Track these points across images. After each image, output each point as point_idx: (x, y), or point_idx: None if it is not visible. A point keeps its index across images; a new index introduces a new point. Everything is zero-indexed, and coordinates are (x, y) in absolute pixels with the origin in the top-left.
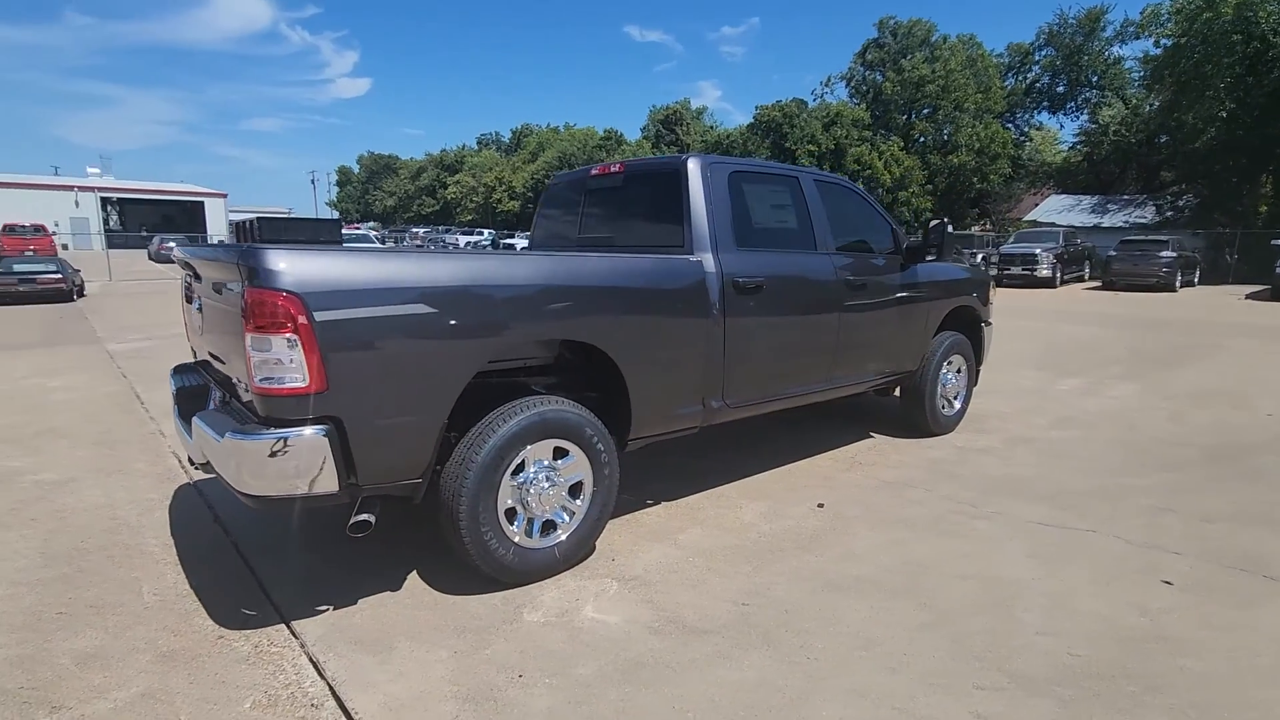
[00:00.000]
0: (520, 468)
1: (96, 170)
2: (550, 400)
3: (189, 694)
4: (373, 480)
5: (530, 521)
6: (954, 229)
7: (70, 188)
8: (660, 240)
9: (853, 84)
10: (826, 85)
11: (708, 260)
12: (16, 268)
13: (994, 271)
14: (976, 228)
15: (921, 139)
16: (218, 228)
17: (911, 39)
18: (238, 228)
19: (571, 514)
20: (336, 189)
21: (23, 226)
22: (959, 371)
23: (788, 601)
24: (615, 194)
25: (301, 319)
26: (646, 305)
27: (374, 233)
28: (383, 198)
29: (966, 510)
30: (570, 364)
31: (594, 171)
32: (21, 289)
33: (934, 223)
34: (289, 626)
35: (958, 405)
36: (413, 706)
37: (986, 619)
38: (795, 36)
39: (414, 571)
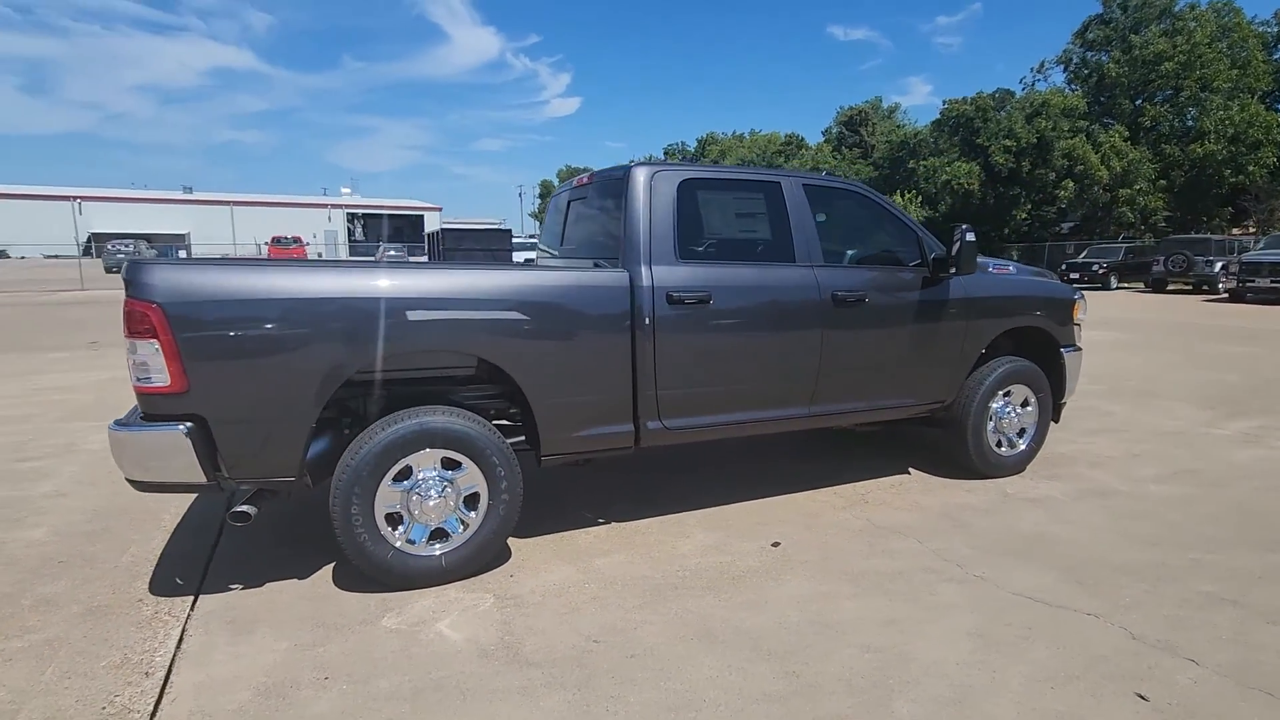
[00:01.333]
0: (406, 474)
1: (348, 190)
2: (439, 411)
3: (75, 646)
4: (241, 475)
5: (416, 528)
6: (1203, 231)
7: (325, 205)
8: (607, 252)
9: (1070, 68)
10: (1038, 71)
11: (641, 273)
12: None
13: (1233, 284)
14: (1236, 229)
15: (1155, 127)
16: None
17: (1146, 10)
18: (429, 237)
19: (465, 525)
20: (538, 200)
21: (286, 238)
22: (1024, 404)
23: (645, 645)
24: (585, 205)
25: (163, 327)
26: (552, 320)
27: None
28: None
29: (945, 570)
30: (488, 377)
31: (574, 183)
32: None
33: (956, 232)
34: (195, 599)
35: (1023, 444)
36: (218, 689)
37: (852, 703)
38: (1020, 19)
39: (332, 565)
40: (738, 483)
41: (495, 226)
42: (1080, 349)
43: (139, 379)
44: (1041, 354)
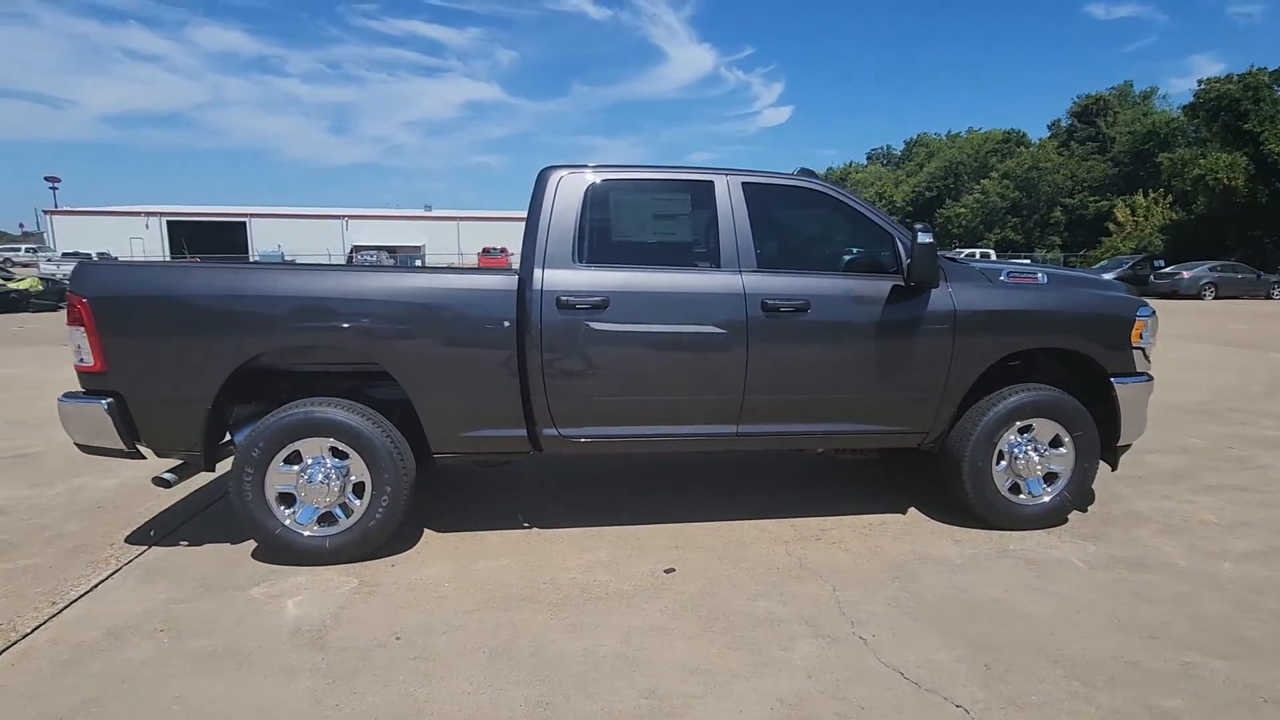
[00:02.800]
0: (297, 459)
1: None
2: (330, 403)
3: (38, 573)
4: (154, 445)
5: (305, 509)
6: None
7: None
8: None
9: None
10: None
11: (534, 276)
12: None
13: None
14: None
15: None
16: None
17: None
18: None
19: (350, 511)
20: None
21: (494, 249)
22: (1052, 444)
23: (436, 650)
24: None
25: (88, 316)
26: (433, 323)
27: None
28: None
29: (827, 625)
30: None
31: None
32: None
33: (911, 233)
34: (146, 549)
35: (1051, 493)
36: (82, 625)
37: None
38: None
39: None
40: (702, 503)
41: None
42: (1149, 378)
43: (76, 360)
44: (1082, 384)
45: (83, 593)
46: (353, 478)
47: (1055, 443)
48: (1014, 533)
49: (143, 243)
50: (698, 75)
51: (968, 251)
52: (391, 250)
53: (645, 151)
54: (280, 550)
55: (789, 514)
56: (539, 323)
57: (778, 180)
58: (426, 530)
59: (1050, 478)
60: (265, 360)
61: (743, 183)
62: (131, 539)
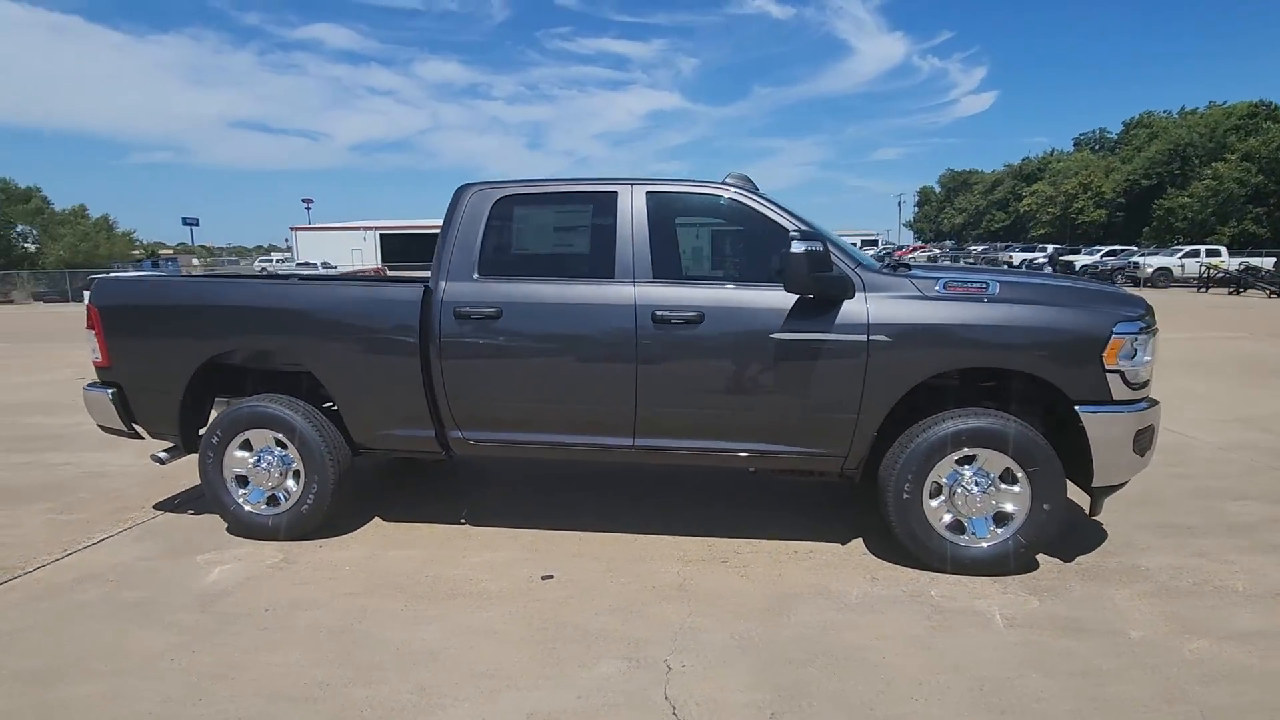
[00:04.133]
0: (249, 447)
1: None
2: (270, 399)
3: (75, 526)
4: (147, 429)
5: (255, 491)
6: None
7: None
8: None
9: None
10: None
11: (439, 287)
12: None
13: None
14: None
15: None
16: None
17: None
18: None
19: (290, 495)
20: (916, 209)
21: None
22: (1005, 479)
23: (282, 623)
24: None
25: (96, 321)
26: (349, 329)
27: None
28: (953, 215)
29: (649, 651)
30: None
31: None
32: None
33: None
34: (158, 514)
35: (994, 536)
36: (65, 571)
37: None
38: None
39: None
40: (645, 514)
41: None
42: (1137, 408)
43: (92, 357)
44: (1046, 411)
45: (89, 544)
46: (293, 466)
47: (1008, 478)
48: (944, 577)
49: (360, 253)
50: (886, 67)
51: (1106, 250)
52: None
53: (828, 151)
54: (236, 524)
55: (719, 532)
56: (439, 332)
57: (685, 188)
58: (376, 518)
59: (1002, 518)
60: (231, 360)
61: (647, 191)
62: (159, 505)
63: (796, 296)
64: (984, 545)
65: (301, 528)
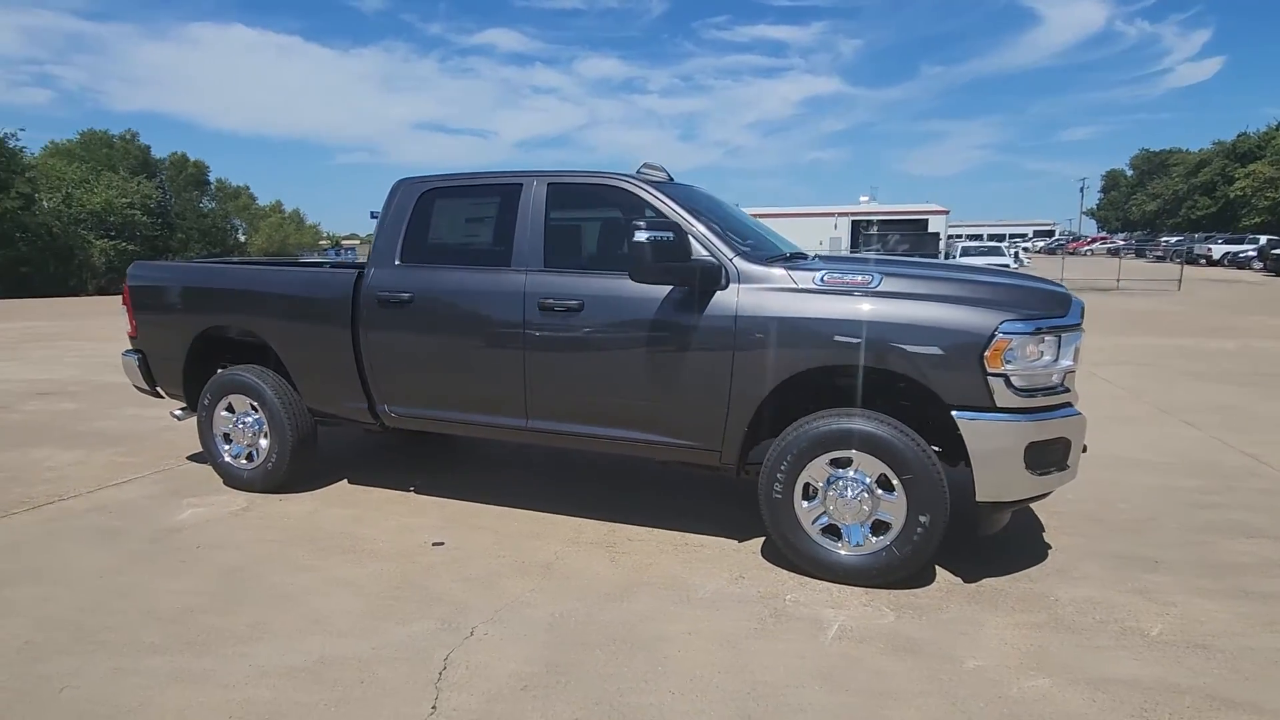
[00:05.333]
0: (232, 409)
1: (866, 198)
2: (246, 369)
3: (123, 466)
4: (164, 390)
5: (235, 448)
6: None
7: (832, 214)
8: None
9: None
10: None
11: (369, 273)
12: None
13: None
14: None
15: None
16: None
17: None
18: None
19: (260, 453)
20: (1100, 196)
21: None
22: (883, 486)
23: (218, 562)
24: None
25: (128, 298)
26: (299, 310)
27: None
28: (1144, 201)
29: (469, 618)
30: None
31: None
32: None
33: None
34: (182, 464)
35: (870, 545)
36: (84, 502)
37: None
38: None
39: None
40: (578, 497)
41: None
42: (1039, 418)
43: (128, 328)
44: (925, 416)
45: (117, 483)
46: (263, 428)
47: (885, 485)
48: (813, 584)
49: None
50: (1082, 35)
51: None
52: None
53: (1006, 133)
54: (223, 475)
55: (630, 519)
56: (365, 314)
57: (583, 179)
58: (344, 480)
59: (880, 527)
60: (229, 334)
61: (548, 184)
62: (191, 457)
63: (670, 287)
64: (858, 553)
65: (267, 482)
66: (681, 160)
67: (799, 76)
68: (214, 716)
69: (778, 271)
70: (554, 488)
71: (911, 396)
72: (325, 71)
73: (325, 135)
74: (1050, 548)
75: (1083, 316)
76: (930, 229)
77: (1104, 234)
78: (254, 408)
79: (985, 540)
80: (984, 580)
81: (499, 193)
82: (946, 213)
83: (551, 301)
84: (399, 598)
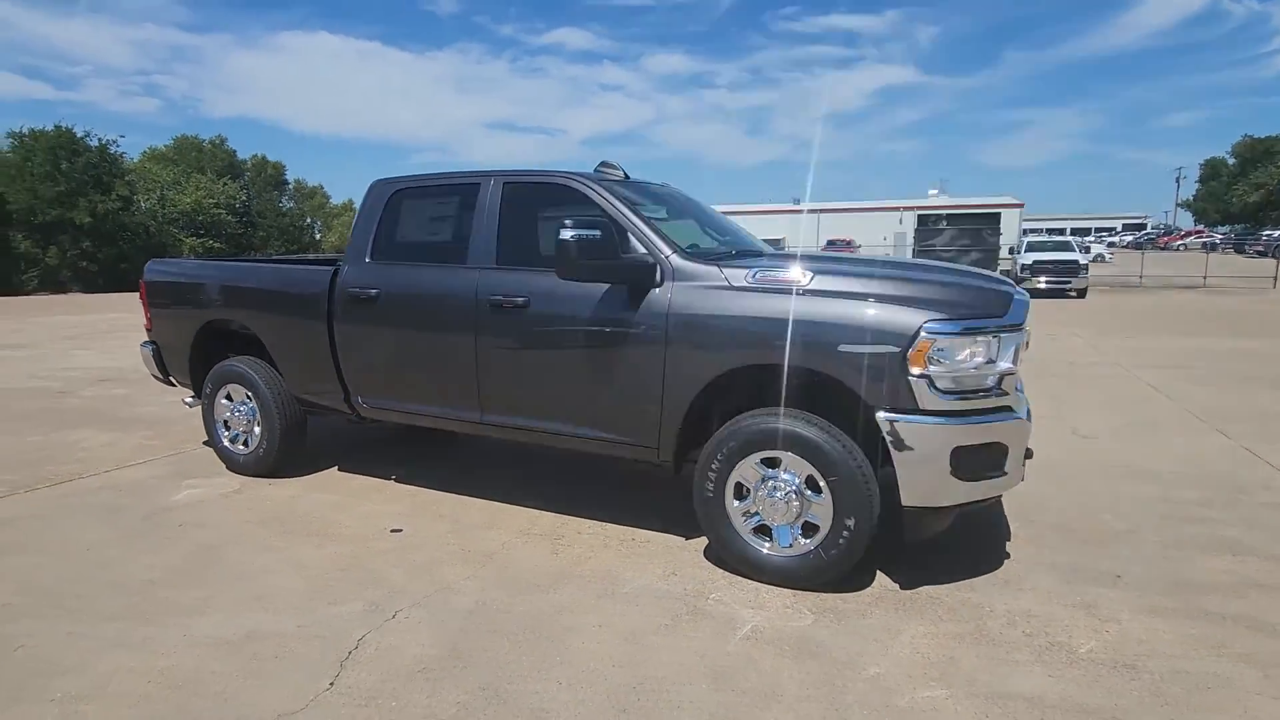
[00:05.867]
0: (230, 397)
1: (935, 191)
2: (240, 360)
3: (144, 449)
4: (176, 379)
5: (234, 433)
6: None
7: (898, 209)
8: None
9: None
10: None
11: (343, 270)
12: None
13: None
14: None
15: None
16: (1009, 237)
17: None
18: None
19: (253, 439)
20: (1198, 186)
21: (839, 240)
22: (811, 488)
23: (167, 524)
24: None
25: (143, 294)
26: (282, 305)
27: None
28: (1246, 192)
29: (398, 601)
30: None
31: None
32: None
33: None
34: (199, 447)
35: (798, 547)
36: (103, 480)
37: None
38: None
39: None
40: (543, 489)
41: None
42: (967, 422)
43: (145, 321)
44: (853, 421)
45: (135, 464)
46: (256, 415)
47: (814, 486)
48: (743, 583)
49: None
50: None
51: None
52: None
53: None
54: (223, 459)
55: (585, 513)
56: (338, 309)
57: (534, 179)
58: (335, 468)
59: (810, 529)
60: (229, 327)
61: (503, 183)
62: (206, 441)
63: (608, 285)
64: (787, 555)
65: (259, 467)
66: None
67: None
68: (135, 680)
69: (711, 269)
70: (525, 480)
71: (845, 397)
72: (402, 74)
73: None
74: (1009, 557)
75: (1026, 316)
76: (1002, 223)
77: (1200, 228)
78: (249, 397)
79: (945, 546)
80: (922, 587)
81: (460, 192)
82: (1021, 206)
83: (500, 298)
84: (341, 580)
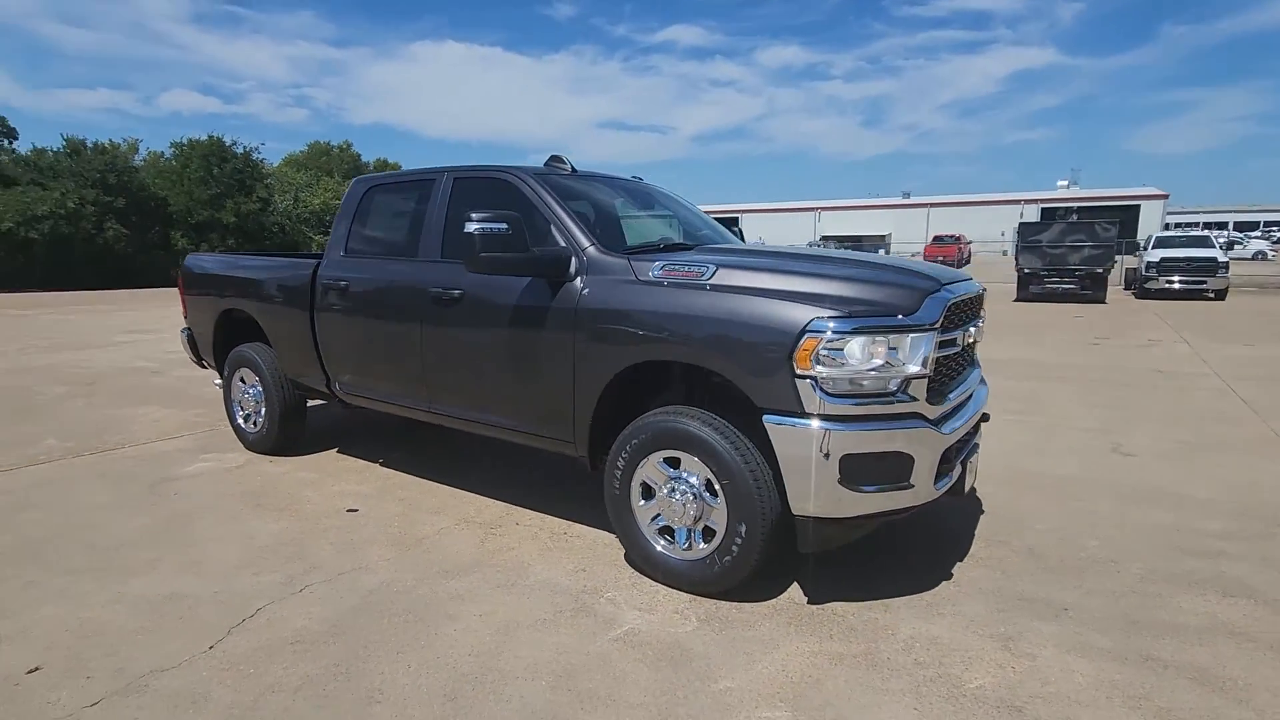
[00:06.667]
0: (244, 380)
1: (1064, 182)
2: (250, 346)
3: (183, 424)
4: (206, 363)
5: (245, 414)
6: None
7: (1018, 201)
8: None
9: None
10: None
11: (323, 263)
12: None
13: None
14: None
15: None
16: (1149, 230)
17: None
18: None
19: (260, 420)
20: None
21: (946, 237)
22: (710, 490)
23: (162, 491)
24: None
25: (181, 285)
26: (275, 295)
27: None
28: None
29: (323, 572)
30: None
31: None
32: None
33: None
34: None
35: (696, 551)
36: (138, 450)
37: None
38: None
39: None
40: (508, 480)
41: (1124, 203)
42: (859, 428)
43: (182, 310)
44: (744, 416)
45: (171, 438)
46: (262, 398)
47: (711, 489)
48: (646, 584)
49: None
50: None
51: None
52: (858, 240)
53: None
54: (238, 437)
55: (536, 505)
56: (317, 299)
57: (479, 174)
58: (335, 449)
59: (709, 533)
60: (242, 315)
61: (453, 178)
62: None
63: (529, 279)
64: (686, 558)
65: (263, 445)
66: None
67: (1004, 49)
68: (54, 627)
69: (621, 262)
70: (508, 470)
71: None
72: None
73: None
74: (949, 578)
75: (942, 315)
76: (1141, 216)
77: None
78: (256, 380)
79: (883, 562)
80: (831, 603)
81: (419, 188)
82: (1164, 197)
83: (439, 291)
84: (275, 553)
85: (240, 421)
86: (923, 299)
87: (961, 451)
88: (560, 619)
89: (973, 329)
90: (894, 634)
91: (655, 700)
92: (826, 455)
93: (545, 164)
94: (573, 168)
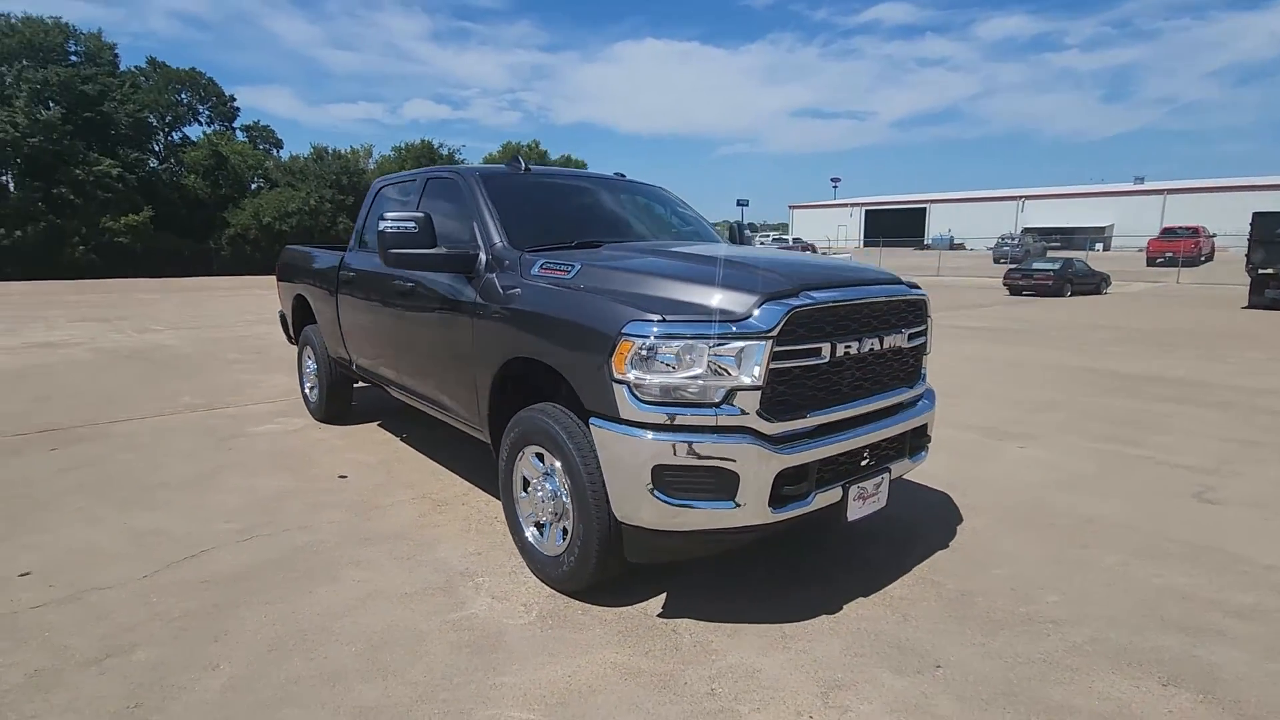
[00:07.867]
0: (310, 357)
1: None
2: (311, 327)
3: (273, 390)
4: (295, 342)
5: (311, 386)
6: None
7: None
8: None
9: None
10: None
11: (346, 255)
12: (1034, 265)
13: None
14: None
15: None
16: None
17: None
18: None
19: (317, 389)
20: None
21: (1183, 229)
22: (566, 486)
23: (219, 449)
24: None
25: (278, 274)
26: (317, 281)
27: None
28: None
29: (290, 539)
30: None
31: None
32: (1021, 282)
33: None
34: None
35: (556, 548)
36: (221, 410)
37: None
38: None
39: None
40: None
41: None
42: (681, 438)
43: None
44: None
45: (257, 403)
46: (317, 372)
47: (566, 484)
48: (518, 570)
49: (845, 229)
50: None
51: None
52: (1070, 232)
53: None
54: (305, 404)
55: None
56: (340, 285)
57: (441, 175)
58: (377, 423)
59: (566, 533)
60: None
61: (428, 179)
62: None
63: (451, 273)
64: (547, 554)
65: (317, 413)
66: (1100, 128)
67: None
68: (63, 546)
69: (514, 259)
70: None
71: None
72: (716, 71)
73: (710, 130)
74: (835, 612)
75: (779, 323)
76: None
77: None
78: (313, 358)
79: (784, 585)
80: (680, 619)
81: (410, 187)
82: None
83: (400, 283)
84: (258, 506)
85: (306, 391)
86: (758, 305)
87: (849, 475)
88: (419, 595)
89: (876, 340)
90: (715, 660)
91: (430, 680)
92: (639, 463)
93: (507, 164)
94: (527, 167)
